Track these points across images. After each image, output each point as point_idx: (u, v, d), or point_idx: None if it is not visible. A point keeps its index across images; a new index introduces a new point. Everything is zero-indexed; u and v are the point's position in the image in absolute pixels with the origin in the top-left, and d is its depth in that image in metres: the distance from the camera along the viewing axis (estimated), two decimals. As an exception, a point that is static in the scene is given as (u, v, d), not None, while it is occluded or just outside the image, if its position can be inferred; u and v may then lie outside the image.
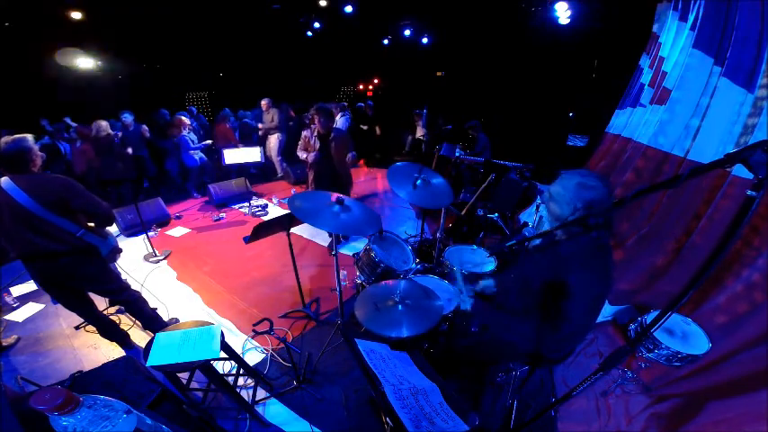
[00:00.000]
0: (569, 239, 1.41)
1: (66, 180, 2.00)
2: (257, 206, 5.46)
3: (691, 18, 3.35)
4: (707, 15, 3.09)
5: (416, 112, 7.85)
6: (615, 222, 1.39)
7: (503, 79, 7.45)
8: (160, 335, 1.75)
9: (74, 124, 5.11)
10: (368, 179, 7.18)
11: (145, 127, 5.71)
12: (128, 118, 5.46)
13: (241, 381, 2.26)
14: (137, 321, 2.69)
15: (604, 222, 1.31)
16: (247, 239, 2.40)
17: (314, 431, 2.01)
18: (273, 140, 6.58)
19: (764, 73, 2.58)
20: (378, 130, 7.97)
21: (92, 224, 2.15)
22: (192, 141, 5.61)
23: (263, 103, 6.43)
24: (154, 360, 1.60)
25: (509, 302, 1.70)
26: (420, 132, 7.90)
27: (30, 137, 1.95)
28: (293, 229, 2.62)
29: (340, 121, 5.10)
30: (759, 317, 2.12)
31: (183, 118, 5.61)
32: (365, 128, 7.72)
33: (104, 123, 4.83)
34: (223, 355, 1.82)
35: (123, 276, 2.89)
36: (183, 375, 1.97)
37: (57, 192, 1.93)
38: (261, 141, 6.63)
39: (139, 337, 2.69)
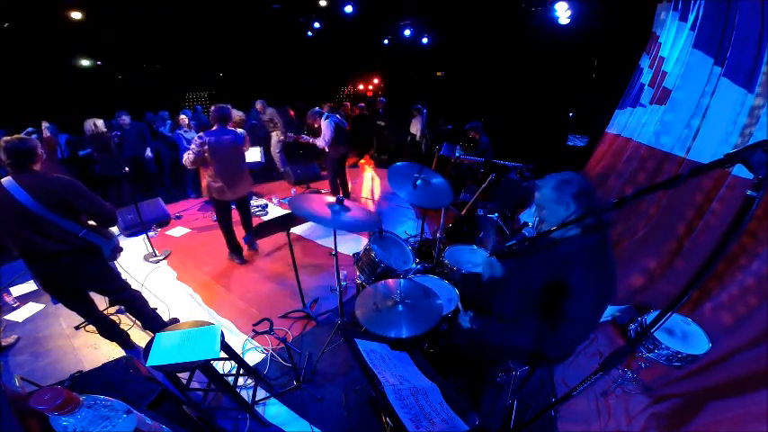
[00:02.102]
0: (568, 240, 1.41)
1: (68, 180, 2.00)
2: (257, 206, 5.45)
3: (691, 18, 3.34)
4: (707, 15, 3.08)
5: (416, 107, 7.62)
6: (615, 222, 1.41)
7: (503, 79, 7.44)
8: (160, 335, 1.75)
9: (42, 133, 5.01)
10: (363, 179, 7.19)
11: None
12: (125, 119, 5.47)
13: (241, 381, 2.25)
14: (137, 321, 2.69)
15: (600, 223, 1.33)
16: (247, 239, 2.40)
17: (314, 431, 2.01)
18: (274, 139, 6.59)
19: (764, 73, 2.58)
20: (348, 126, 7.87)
21: (93, 223, 2.15)
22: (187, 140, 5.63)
23: (258, 105, 6.42)
24: (154, 360, 1.60)
25: (507, 308, 1.70)
26: (415, 128, 7.66)
27: (32, 136, 1.96)
28: (293, 229, 2.62)
29: (324, 123, 4.86)
30: (759, 317, 2.12)
31: (183, 116, 5.66)
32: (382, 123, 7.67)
33: (100, 122, 4.84)
34: (223, 355, 1.82)
35: (123, 276, 2.89)
36: (183, 375, 1.97)
37: (59, 192, 1.94)
38: (261, 141, 6.63)
39: (139, 337, 2.69)
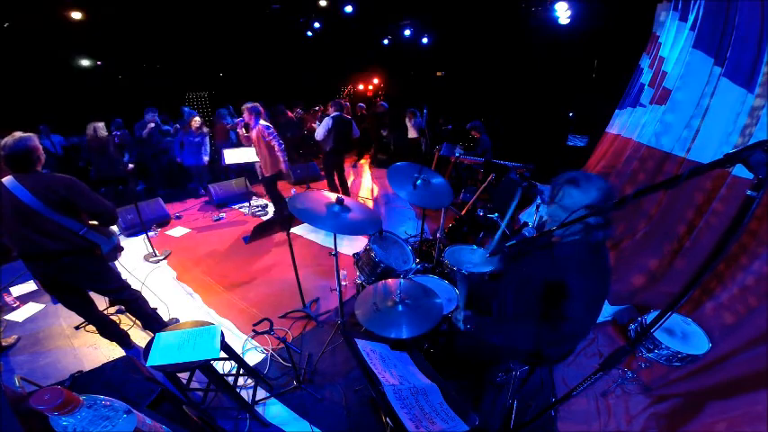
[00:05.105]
0: (567, 240, 1.41)
1: (70, 179, 2.00)
2: (257, 206, 5.46)
3: (691, 18, 3.34)
4: (707, 15, 3.08)
5: (410, 110, 7.38)
6: (614, 222, 1.39)
7: (503, 79, 7.44)
8: (160, 335, 1.75)
9: None
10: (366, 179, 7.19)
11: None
12: (153, 116, 5.58)
13: (241, 381, 2.26)
14: (137, 321, 2.69)
15: (605, 223, 1.32)
16: (247, 239, 2.41)
17: (314, 431, 2.01)
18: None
19: (764, 73, 2.58)
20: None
21: (94, 222, 2.15)
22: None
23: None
24: (154, 360, 1.60)
25: (507, 308, 1.69)
26: (412, 134, 7.44)
27: (34, 136, 1.96)
28: (293, 229, 2.62)
29: (326, 118, 5.07)
30: (759, 317, 2.11)
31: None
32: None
33: (100, 125, 4.86)
34: (223, 355, 1.82)
35: (124, 276, 2.89)
36: (183, 375, 1.97)
37: (61, 191, 1.94)
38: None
39: (139, 337, 2.69)
